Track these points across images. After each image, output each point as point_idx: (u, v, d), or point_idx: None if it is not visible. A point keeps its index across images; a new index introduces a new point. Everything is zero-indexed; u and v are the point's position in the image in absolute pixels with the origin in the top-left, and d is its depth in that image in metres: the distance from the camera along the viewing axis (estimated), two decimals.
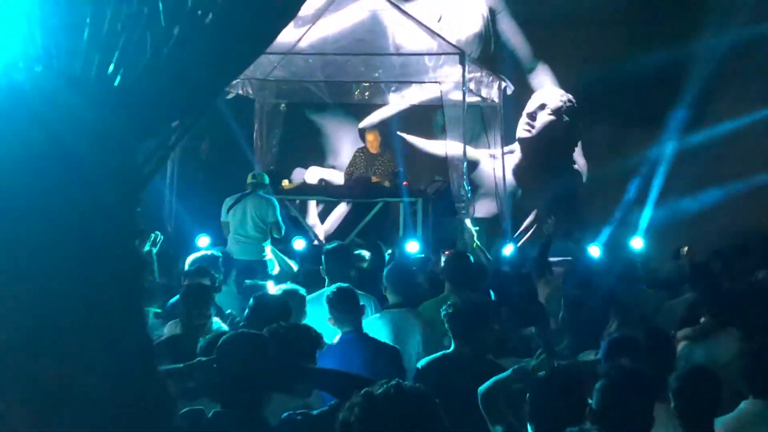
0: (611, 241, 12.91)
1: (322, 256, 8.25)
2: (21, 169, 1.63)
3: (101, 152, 1.65)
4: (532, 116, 17.91)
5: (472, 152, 16.13)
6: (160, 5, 1.64)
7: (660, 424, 4.28)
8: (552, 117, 17.83)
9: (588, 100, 18.15)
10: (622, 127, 17.94)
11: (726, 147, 17.56)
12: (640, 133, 17.90)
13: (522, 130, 17.97)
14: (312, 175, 16.46)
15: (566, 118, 17.89)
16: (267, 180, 12.02)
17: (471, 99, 14.27)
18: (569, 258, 12.09)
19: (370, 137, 15.15)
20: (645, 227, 16.23)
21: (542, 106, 17.90)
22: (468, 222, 13.55)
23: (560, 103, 17.88)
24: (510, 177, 17.17)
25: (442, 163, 16.15)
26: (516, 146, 18.05)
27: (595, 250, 11.77)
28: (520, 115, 17.94)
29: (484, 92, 15.02)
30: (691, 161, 17.49)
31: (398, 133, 16.99)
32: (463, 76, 13.23)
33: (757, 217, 16.85)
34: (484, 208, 16.66)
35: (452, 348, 5.76)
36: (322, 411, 4.13)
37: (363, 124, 17.37)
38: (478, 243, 13.50)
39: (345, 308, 6.22)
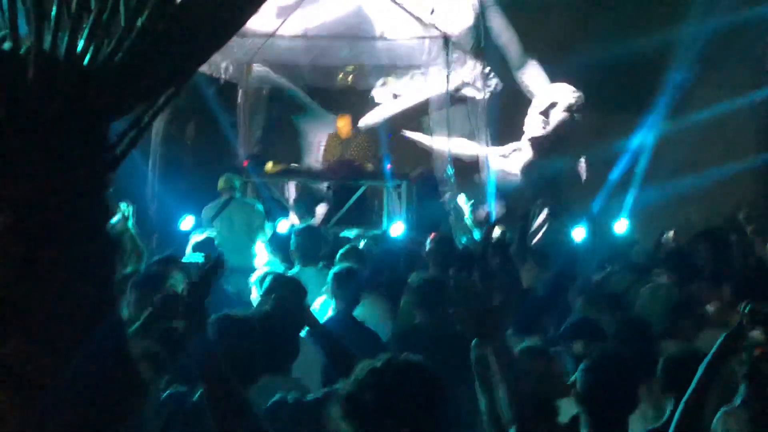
0: (595, 224, 12.90)
1: (291, 238, 8.28)
2: (4, 145, 1.61)
3: (69, 131, 1.62)
4: (546, 114, 17.97)
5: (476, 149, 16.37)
6: None
7: (644, 404, 4.30)
8: (565, 114, 17.89)
9: (573, 85, 18.24)
10: (606, 112, 18.01)
11: (709, 133, 17.63)
12: (624, 118, 17.95)
13: (535, 129, 17.98)
14: None
15: (577, 116, 17.96)
16: (238, 183, 11.92)
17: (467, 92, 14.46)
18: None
19: (340, 123, 15.11)
20: (629, 211, 16.25)
21: (554, 104, 17.94)
22: (462, 199, 13.58)
23: (573, 100, 17.91)
24: (517, 173, 17.35)
25: (426, 148, 16.22)
26: (523, 144, 18.08)
27: (579, 233, 11.79)
28: (508, 111, 17.96)
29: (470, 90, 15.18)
30: (675, 146, 17.56)
31: (403, 131, 16.96)
32: (447, 60, 13.26)
33: (739, 201, 16.95)
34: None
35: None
36: (316, 397, 4.12)
37: (362, 123, 17.34)
38: (470, 224, 13.52)
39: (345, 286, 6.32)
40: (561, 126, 17.90)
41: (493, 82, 16.26)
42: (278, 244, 10.61)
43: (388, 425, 3.04)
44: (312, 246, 8.06)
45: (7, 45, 1.57)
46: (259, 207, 11.35)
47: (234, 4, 1.84)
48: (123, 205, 7.99)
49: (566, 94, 17.95)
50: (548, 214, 11.45)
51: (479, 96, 15.70)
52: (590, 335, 5.36)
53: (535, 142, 18.01)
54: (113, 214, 1.77)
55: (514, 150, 17.82)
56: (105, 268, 1.77)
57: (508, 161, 17.33)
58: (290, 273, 7.72)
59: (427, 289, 6.19)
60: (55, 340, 1.67)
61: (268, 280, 6.20)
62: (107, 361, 1.74)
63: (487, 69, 16.87)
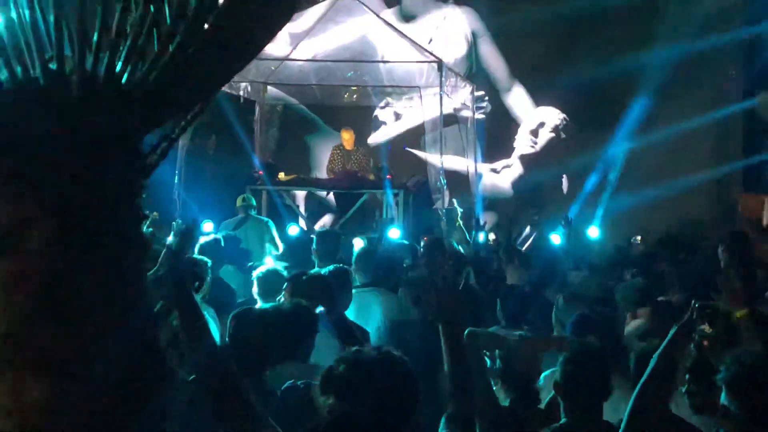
0: (571, 229, 12.88)
1: (314, 238, 8.29)
2: (40, 154, 1.59)
3: (109, 143, 1.61)
4: (535, 134, 18.09)
5: (466, 163, 16.48)
6: (166, 10, 1.61)
7: (618, 393, 4.28)
8: (552, 134, 18.06)
9: (552, 105, 18.28)
10: (581, 130, 18.08)
11: (671, 148, 17.65)
12: (597, 135, 17.98)
13: (525, 147, 18.14)
14: None
15: (563, 135, 18.05)
16: (254, 202, 11.91)
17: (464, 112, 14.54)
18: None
19: (345, 135, 15.12)
20: (600, 218, 16.25)
21: (542, 124, 18.08)
22: (457, 206, 13.66)
23: (558, 121, 18.11)
24: (508, 186, 17.45)
25: (421, 160, 16.25)
26: (513, 160, 18.18)
27: (556, 238, 11.76)
28: (495, 130, 18.03)
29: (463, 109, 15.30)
30: (642, 160, 17.59)
31: (406, 148, 16.99)
32: (441, 82, 13.28)
33: (701, 209, 16.97)
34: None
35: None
36: None
37: (371, 140, 17.39)
38: (461, 223, 13.55)
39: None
40: (548, 145, 18.02)
41: (485, 104, 16.36)
42: (288, 244, 10.61)
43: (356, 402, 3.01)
44: (331, 248, 8.07)
45: (54, 65, 1.56)
46: (270, 224, 11.33)
47: (253, 32, 1.83)
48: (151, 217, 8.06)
49: (553, 116, 18.11)
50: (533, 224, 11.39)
51: (469, 116, 15.79)
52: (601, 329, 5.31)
53: (524, 158, 18.16)
54: (146, 218, 1.77)
55: (505, 166, 18.03)
56: (137, 265, 1.76)
57: (499, 176, 17.55)
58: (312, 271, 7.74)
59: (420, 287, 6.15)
60: (91, 331, 1.65)
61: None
62: (137, 350, 1.72)
63: (481, 92, 17.05)
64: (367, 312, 6.65)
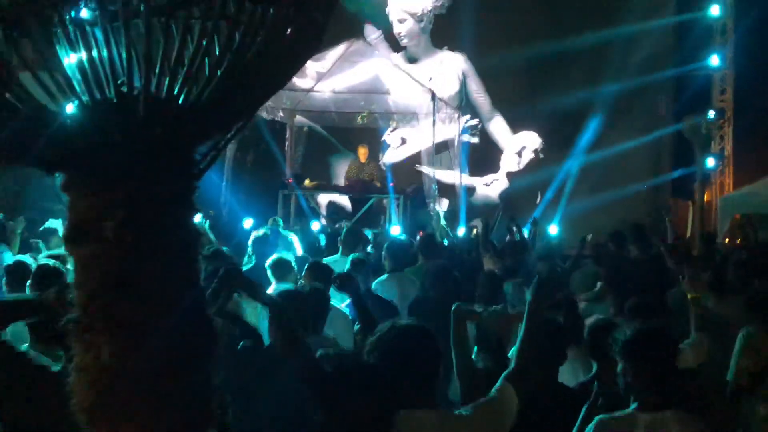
0: (537, 227, 12.85)
1: (343, 231, 8.34)
2: (112, 158, 1.57)
3: (169, 153, 1.59)
4: (519, 154, 18.24)
5: (468, 180, 16.80)
6: (215, 40, 1.59)
7: (570, 362, 4.24)
8: (533, 155, 18.16)
9: (520, 129, 18.32)
10: (545, 148, 18.14)
11: (617, 163, 17.66)
12: (558, 152, 17.99)
13: (511, 165, 18.29)
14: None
15: (542, 155, 18.14)
16: (282, 223, 11.74)
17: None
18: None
19: (361, 150, 15.14)
20: (559, 219, 16.22)
21: (524, 147, 18.21)
22: (440, 209, 13.72)
23: (538, 145, 18.18)
24: (496, 197, 17.60)
25: (418, 171, 16.27)
26: (500, 175, 18.31)
27: (525, 233, 11.73)
28: (481, 151, 18.19)
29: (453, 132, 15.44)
30: (593, 172, 17.57)
31: (417, 165, 16.93)
32: (434, 110, 13.31)
33: (639, 212, 16.97)
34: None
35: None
36: (354, 351, 4.10)
37: (387, 160, 17.39)
38: (444, 225, 13.58)
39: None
40: (530, 164, 18.12)
41: (478, 130, 16.65)
42: (309, 238, 10.59)
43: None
44: (355, 240, 8.09)
45: (125, 88, 1.53)
46: (290, 238, 11.17)
47: (284, 64, 1.81)
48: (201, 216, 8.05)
49: (534, 140, 18.23)
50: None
51: (466, 139, 16.02)
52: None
53: (510, 174, 18.22)
54: (197, 212, 1.75)
55: (494, 180, 18.14)
56: (191, 251, 1.75)
57: (490, 188, 17.83)
58: (334, 258, 7.73)
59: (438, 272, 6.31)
60: (153, 303, 1.63)
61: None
62: (189, 319, 1.70)
63: (476, 121, 17.29)
64: (408, 291, 6.75)
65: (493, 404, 3.19)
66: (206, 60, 1.59)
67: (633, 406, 3.41)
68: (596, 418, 3.35)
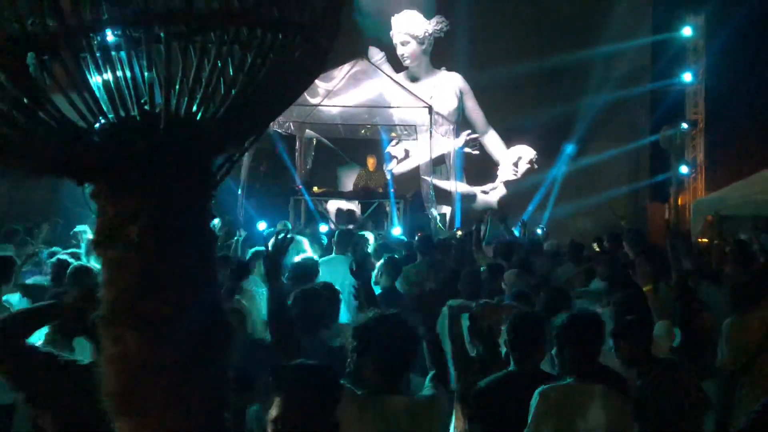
0: (526, 229, 12.86)
1: (335, 234, 8.33)
2: (137, 168, 1.58)
3: (188, 165, 1.61)
4: (516, 165, 18.37)
5: (468, 188, 17.09)
6: (229, 63, 1.59)
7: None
8: (528, 165, 18.28)
9: (510, 140, 18.35)
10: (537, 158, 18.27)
11: (598, 170, 17.69)
12: (545, 160, 18.00)
13: (509, 174, 18.45)
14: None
15: (536, 166, 18.24)
16: (290, 226, 11.71)
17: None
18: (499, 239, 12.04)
19: (370, 160, 15.20)
20: (545, 221, 16.25)
21: (520, 158, 18.34)
22: (436, 213, 13.78)
23: (533, 156, 18.29)
24: (494, 203, 17.68)
25: (417, 179, 16.28)
26: (498, 184, 18.43)
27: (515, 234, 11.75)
28: (480, 162, 18.25)
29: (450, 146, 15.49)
30: (576, 179, 17.60)
31: (422, 177, 17.01)
32: (431, 122, 13.34)
33: (619, 215, 17.01)
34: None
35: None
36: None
37: (396, 170, 17.49)
38: (440, 225, 13.62)
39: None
40: (525, 173, 18.22)
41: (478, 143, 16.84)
42: (319, 240, 10.60)
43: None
44: (346, 241, 8.09)
45: (147, 107, 1.55)
46: (299, 239, 11.17)
47: (293, 83, 1.83)
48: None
49: (529, 152, 18.36)
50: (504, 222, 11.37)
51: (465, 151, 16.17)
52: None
53: (507, 183, 18.31)
54: (214, 218, 1.76)
55: (492, 188, 18.29)
56: (208, 251, 1.76)
57: (488, 195, 18.04)
58: (329, 257, 7.72)
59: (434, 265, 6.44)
60: (176, 300, 1.65)
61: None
62: (209, 316, 1.72)
63: (476, 135, 17.40)
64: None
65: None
66: (221, 80, 1.61)
67: (568, 380, 3.70)
68: (538, 390, 3.49)
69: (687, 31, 18.39)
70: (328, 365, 2.81)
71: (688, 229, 15.41)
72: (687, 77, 18.48)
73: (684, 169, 18.25)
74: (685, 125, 17.96)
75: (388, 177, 14.55)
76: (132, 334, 1.64)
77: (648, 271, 5.35)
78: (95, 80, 1.62)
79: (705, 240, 13.98)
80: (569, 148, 17.44)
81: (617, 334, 4.19)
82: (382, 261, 7.02)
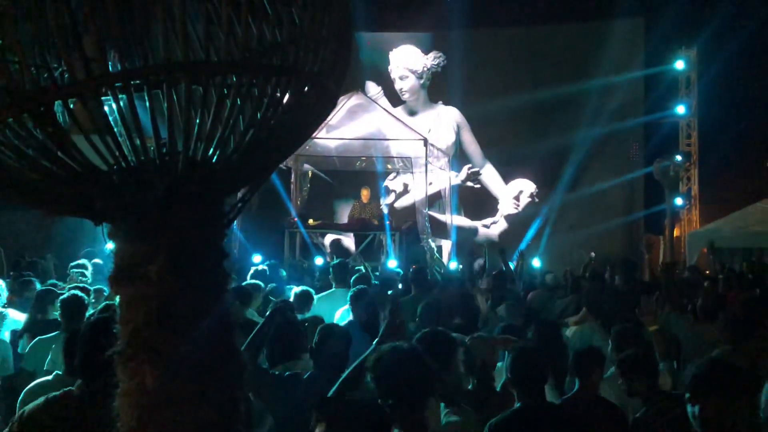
0: (523, 261, 12.92)
1: (330, 268, 8.33)
2: (155, 210, 1.67)
3: (203, 205, 1.69)
4: (517, 198, 18.48)
5: (469, 222, 17.43)
6: (240, 114, 1.69)
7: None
8: (529, 199, 18.37)
9: (506, 171, 18.47)
10: (538, 192, 18.40)
11: (593, 201, 17.78)
12: (541, 191, 18.13)
13: (510, 208, 18.56)
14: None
15: (536, 200, 18.34)
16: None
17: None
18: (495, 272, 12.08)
19: (364, 192, 15.23)
20: (541, 252, 16.29)
21: (521, 192, 18.45)
22: (433, 245, 13.80)
23: (532, 189, 18.39)
24: (496, 236, 17.71)
25: (412, 211, 16.35)
26: (499, 218, 18.51)
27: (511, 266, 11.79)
28: (475, 196, 18.34)
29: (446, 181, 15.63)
30: (572, 209, 17.68)
31: (418, 209, 17.12)
32: (425, 155, 13.41)
33: (613, 246, 17.05)
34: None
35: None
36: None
37: (389, 201, 17.65)
38: (438, 257, 13.66)
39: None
40: (527, 207, 18.34)
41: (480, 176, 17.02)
42: (313, 272, 10.63)
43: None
44: (343, 273, 8.11)
45: (165, 150, 1.64)
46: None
47: (303, 127, 1.91)
48: None
49: (529, 186, 18.50)
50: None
51: (448, 186, 16.24)
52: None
53: (509, 217, 18.40)
54: (227, 257, 1.81)
55: (493, 222, 18.36)
56: (222, 289, 1.83)
57: (489, 230, 18.15)
58: (328, 292, 7.75)
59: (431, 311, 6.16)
60: (191, 335, 1.72)
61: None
62: (220, 350, 1.79)
63: (477, 169, 17.52)
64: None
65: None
66: (237, 125, 1.69)
67: (517, 405, 3.83)
68: (488, 424, 3.68)
69: (679, 65, 18.65)
70: (378, 404, 2.89)
71: (681, 261, 15.50)
72: (680, 110, 18.70)
73: (678, 201, 18.39)
74: (678, 157, 18.13)
75: (385, 210, 14.61)
76: (148, 368, 1.71)
77: (653, 309, 5.45)
78: (115, 124, 1.70)
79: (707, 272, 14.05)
80: (573, 165, 17.53)
81: (624, 367, 4.29)
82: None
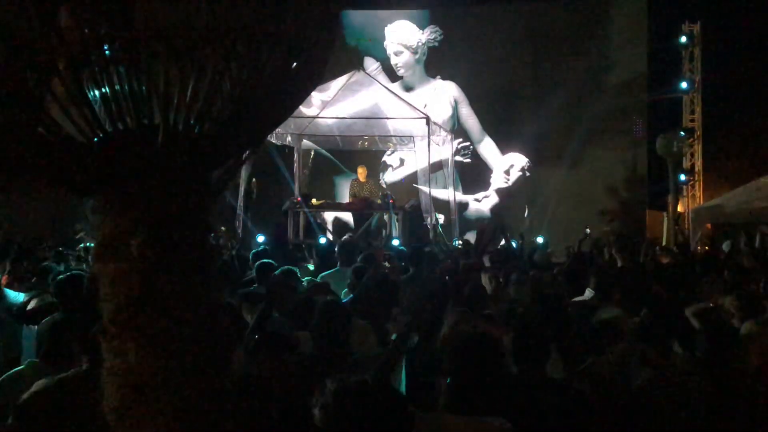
0: (524, 238, 12.86)
1: (337, 247, 8.26)
2: (135, 183, 1.58)
3: (186, 176, 1.62)
4: (507, 172, 18.34)
5: (461, 196, 17.30)
6: (221, 84, 1.62)
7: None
8: (520, 173, 18.25)
9: (507, 149, 18.39)
10: (534, 165, 18.26)
11: (596, 178, 17.75)
12: (544, 168, 18.04)
13: (500, 182, 18.38)
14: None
15: (528, 174, 18.23)
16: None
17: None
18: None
19: (360, 171, 15.20)
20: (545, 229, 16.26)
21: (512, 166, 18.31)
22: (437, 217, 13.83)
23: (524, 164, 18.25)
24: (487, 211, 17.58)
25: (415, 189, 16.28)
26: (491, 192, 18.39)
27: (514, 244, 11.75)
28: (474, 171, 18.20)
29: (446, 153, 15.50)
30: (576, 187, 17.64)
31: (414, 184, 17.00)
32: (428, 133, 13.33)
33: (617, 222, 17.07)
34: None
35: None
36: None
37: (389, 179, 17.51)
38: (441, 233, 13.63)
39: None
40: (517, 181, 18.19)
41: (469, 152, 16.82)
42: (319, 251, 10.58)
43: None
44: (350, 253, 8.01)
45: (145, 121, 1.57)
46: None
47: (288, 97, 1.85)
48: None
49: (521, 160, 18.36)
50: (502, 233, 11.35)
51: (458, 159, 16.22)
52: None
53: (500, 191, 18.28)
54: (213, 231, 1.75)
55: (485, 196, 18.24)
56: (207, 265, 1.77)
57: (481, 204, 18.01)
58: (332, 270, 7.67)
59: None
60: (174, 313, 1.67)
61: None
62: (206, 329, 1.74)
63: (467, 143, 17.38)
64: None
65: None
66: (218, 95, 1.63)
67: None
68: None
69: (683, 40, 18.48)
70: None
71: (685, 238, 15.43)
72: (683, 85, 18.55)
73: (682, 177, 18.30)
74: (682, 133, 18.00)
75: (386, 187, 14.53)
76: (132, 347, 1.66)
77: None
78: (93, 95, 1.64)
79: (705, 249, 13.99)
80: (577, 141, 17.39)
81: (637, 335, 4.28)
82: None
